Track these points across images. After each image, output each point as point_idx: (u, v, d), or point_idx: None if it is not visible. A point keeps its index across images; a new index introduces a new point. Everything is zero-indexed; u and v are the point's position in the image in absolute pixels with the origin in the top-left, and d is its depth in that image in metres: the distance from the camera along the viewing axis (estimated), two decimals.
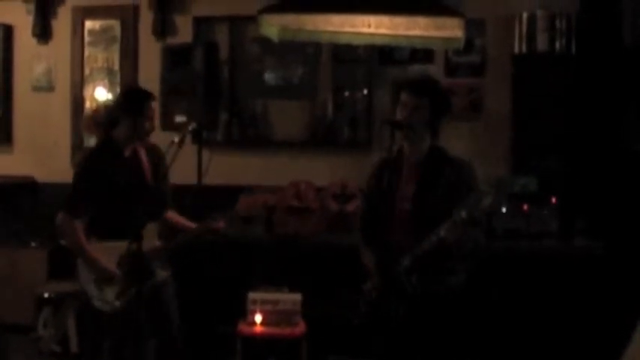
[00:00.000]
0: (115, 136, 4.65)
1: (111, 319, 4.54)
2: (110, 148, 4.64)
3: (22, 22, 7.59)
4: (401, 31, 5.96)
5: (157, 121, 5.03)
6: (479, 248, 3.90)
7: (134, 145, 4.67)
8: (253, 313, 5.36)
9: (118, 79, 7.44)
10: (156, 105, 4.72)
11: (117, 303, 4.47)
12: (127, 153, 4.65)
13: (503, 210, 3.61)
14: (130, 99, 4.72)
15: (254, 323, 5.35)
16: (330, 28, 6.06)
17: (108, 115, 4.78)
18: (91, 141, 7.35)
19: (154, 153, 4.77)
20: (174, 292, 4.80)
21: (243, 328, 5.35)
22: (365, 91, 7.09)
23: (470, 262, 3.96)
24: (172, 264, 4.77)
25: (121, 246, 4.43)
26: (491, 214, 3.63)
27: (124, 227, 4.43)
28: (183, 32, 7.27)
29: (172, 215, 4.89)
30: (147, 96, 4.69)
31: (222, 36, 7.27)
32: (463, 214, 3.60)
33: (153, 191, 4.65)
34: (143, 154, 4.71)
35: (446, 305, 3.89)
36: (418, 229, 3.80)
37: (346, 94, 7.18)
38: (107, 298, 4.49)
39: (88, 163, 4.66)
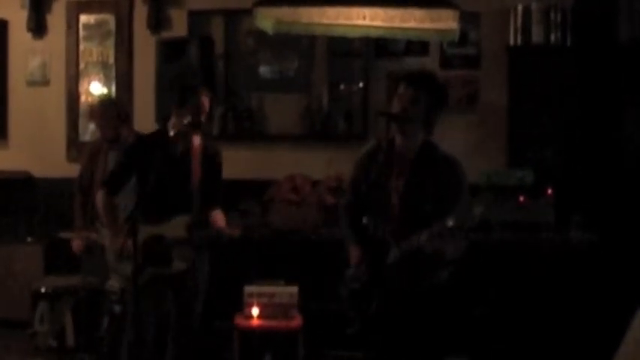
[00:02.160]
0: (169, 127, 4.77)
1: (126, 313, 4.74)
2: (161, 137, 4.73)
3: (17, 16, 7.56)
4: (396, 24, 5.96)
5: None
6: (459, 254, 3.89)
7: (189, 140, 4.75)
8: (250, 306, 5.37)
9: (113, 73, 7.42)
10: (205, 98, 4.74)
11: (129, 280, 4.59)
12: (182, 147, 4.74)
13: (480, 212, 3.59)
14: (177, 92, 4.85)
15: (251, 316, 5.35)
16: (325, 21, 6.05)
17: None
18: (86, 135, 7.36)
19: (209, 150, 4.87)
20: (204, 286, 4.90)
21: (240, 321, 5.36)
22: (360, 84, 7.09)
23: (451, 265, 3.95)
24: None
25: (149, 230, 4.59)
26: (482, 222, 3.61)
27: (154, 213, 4.56)
28: (178, 26, 7.25)
29: (215, 214, 4.92)
30: (191, 90, 4.77)
31: (217, 29, 7.26)
32: (450, 223, 3.59)
33: (196, 186, 4.75)
34: (198, 150, 4.80)
35: (431, 300, 3.89)
36: (405, 224, 3.79)
37: (342, 87, 7.18)
38: (125, 272, 4.66)
39: (135, 147, 4.88)
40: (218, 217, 4.90)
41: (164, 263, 4.66)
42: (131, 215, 4.33)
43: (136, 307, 4.59)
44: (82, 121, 7.46)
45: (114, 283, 5.26)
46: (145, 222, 4.53)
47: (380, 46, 6.93)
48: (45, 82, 7.57)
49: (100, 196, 4.87)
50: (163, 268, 4.67)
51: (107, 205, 4.84)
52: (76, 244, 5.91)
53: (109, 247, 4.86)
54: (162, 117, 5.02)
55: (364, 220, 4.02)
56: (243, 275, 5.65)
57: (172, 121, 4.76)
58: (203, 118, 4.75)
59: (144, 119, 6.85)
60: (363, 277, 3.99)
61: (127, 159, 4.86)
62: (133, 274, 4.45)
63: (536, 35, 6.48)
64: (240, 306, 5.45)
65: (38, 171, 7.44)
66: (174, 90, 4.89)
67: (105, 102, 6.36)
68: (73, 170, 6.37)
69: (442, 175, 3.88)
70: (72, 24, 7.49)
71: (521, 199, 6.01)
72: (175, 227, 4.66)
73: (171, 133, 4.66)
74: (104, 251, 5.02)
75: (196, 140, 4.80)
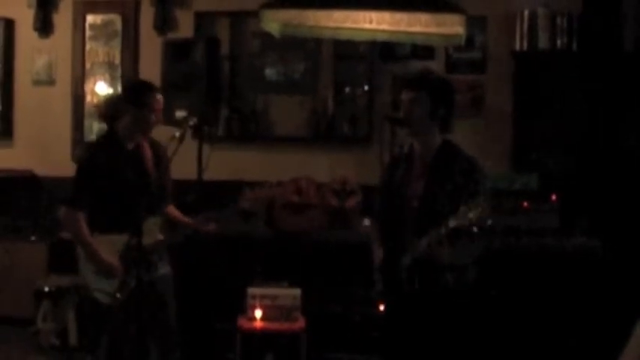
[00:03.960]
0: (119, 128, 4.63)
1: (111, 312, 4.53)
2: (112, 140, 4.62)
3: (24, 16, 7.58)
4: (402, 28, 5.96)
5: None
6: (467, 259, 3.88)
7: (138, 139, 4.64)
8: (253, 308, 5.38)
9: (118, 73, 7.43)
10: (161, 97, 4.68)
11: (118, 295, 4.46)
12: (130, 146, 4.61)
13: (489, 222, 3.58)
14: (133, 91, 4.69)
15: (254, 318, 5.36)
16: (332, 24, 6.05)
17: (111, 108, 4.74)
18: (91, 135, 7.37)
19: (156, 147, 4.75)
20: (172, 286, 4.78)
21: (242, 323, 5.37)
22: (365, 87, 7.09)
23: (468, 268, 3.93)
24: (173, 259, 4.79)
25: (123, 239, 4.43)
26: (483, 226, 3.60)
27: (125, 220, 4.41)
28: (184, 27, 7.27)
29: (171, 210, 4.87)
30: (150, 88, 4.65)
31: (223, 31, 7.27)
32: (452, 223, 3.59)
33: (154, 185, 4.64)
34: (147, 148, 4.68)
35: (444, 305, 3.87)
36: (424, 226, 3.77)
37: (347, 90, 7.18)
38: (108, 290, 4.48)
39: (90, 156, 4.64)
40: (177, 214, 4.86)
41: (146, 270, 4.56)
42: (134, 227, 4.30)
43: (121, 318, 4.54)
44: (87, 121, 7.48)
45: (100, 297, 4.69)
46: (117, 231, 4.45)
47: (386, 49, 6.93)
48: (51, 82, 7.59)
49: (64, 214, 4.59)
50: (146, 275, 4.52)
51: (75, 224, 4.51)
52: None
53: (84, 266, 4.59)
54: (109, 117, 4.81)
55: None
56: (246, 277, 5.65)
57: (127, 121, 4.59)
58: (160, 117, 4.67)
59: None
60: (380, 284, 4.00)
61: (87, 168, 4.59)
62: (119, 288, 4.43)
63: (542, 40, 6.48)
64: (242, 308, 5.45)
65: (43, 170, 7.45)
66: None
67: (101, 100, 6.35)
68: None
69: (459, 175, 3.84)
70: (78, 24, 7.51)
71: (526, 204, 6.01)
72: (149, 231, 4.49)
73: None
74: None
75: (143, 140, 4.68)
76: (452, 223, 3.59)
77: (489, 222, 3.57)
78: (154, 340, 4.71)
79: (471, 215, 3.52)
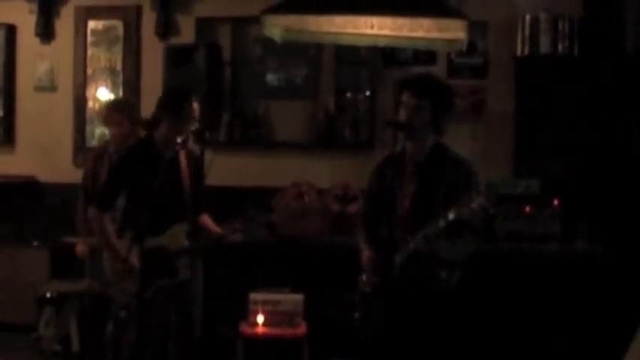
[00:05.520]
0: (156, 135, 4.73)
1: (131, 313, 4.63)
2: (148, 147, 4.71)
3: (25, 21, 7.59)
4: (404, 33, 5.95)
5: None
6: (462, 255, 3.90)
7: (175, 146, 4.68)
8: (255, 313, 5.37)
9: (120, 79, 7.43)
10: (196, 104, 4.73)
11: (136, 296, 4.51)
12: (168, 154, 4.65)
13: (491, 211, 3.60)
14: (169, 99, 4.77)
15: (256, 324, 5.35)
16: (333, 29, 6.05)
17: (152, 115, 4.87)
18: (93, 141, 7.36)
19: (193, 157, 4.86)
20: (201, 292, 4.90)
21: (244, 328, 5.36)
22: (367, 93, 7.08)
23: (457, 268, 3.95)
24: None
25: (149, 242, 4.48)
26: (487, 217, 3.62)
27: (153, 225, 4.48)
28: (186, 33, 7.27)
29: (204, 219, 4.93)
30: (185, 96, 4.71)
31: (224, 36, 7.26)
32: (451, 215, 3.60)
33: (187, 194, 4.73)
34: (183, 157, 4.76)
35: (439, 304, 3.89)
36: (417, 227, 3.80)
37: (348, 95, 7.17)
38: (127, 289, 4.56)
39: (123, 160, 4.79)
40: (209, 222, 4.90)
41: (169, 274, 4.65)
42: (136, 231, 4.33)
43: (140, 320, 4.58)
44: (89, 127, 7.48)
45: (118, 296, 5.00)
46: (147, 234, 4.48)
47: (387, 54, 6.93)
48: (52, 88, 7.59)
49: (92, 214, 4.78)
50: (169, 279, 4.65)
51: (101, 224, 4.72)
52: (80, 249, 5.91)
53: (109, 267, 4.79)
54: (148, 124, 4.93)
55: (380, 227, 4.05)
56: (248, 282, 5.65)
57: (164, 129, 4.70)
58: (196, 125, 4.76)
59: None
60: (374, 281, 3.99)
61: (118, 172, 4.78)
62: (139, 290, 4.45)
63: (544, 45, 6.48)
64: (244, 313, 5.45)
65: (44, 176, 7.47)
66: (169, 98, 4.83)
67: (125, 103, 6.35)
68: (79, 176, 6.36)
69: (451, 175, 3.89)
70: (80, 29, 7.51)
71: (527, 209, 6.01)
72: (175, 237, 4.64)
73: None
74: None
75: (181, 148, 4.75)
76: (451, 215, 3.61)
77: (491, 210, 3.60)
78: (174, 342, 4.79)
79: (474, 205, 3.54)
